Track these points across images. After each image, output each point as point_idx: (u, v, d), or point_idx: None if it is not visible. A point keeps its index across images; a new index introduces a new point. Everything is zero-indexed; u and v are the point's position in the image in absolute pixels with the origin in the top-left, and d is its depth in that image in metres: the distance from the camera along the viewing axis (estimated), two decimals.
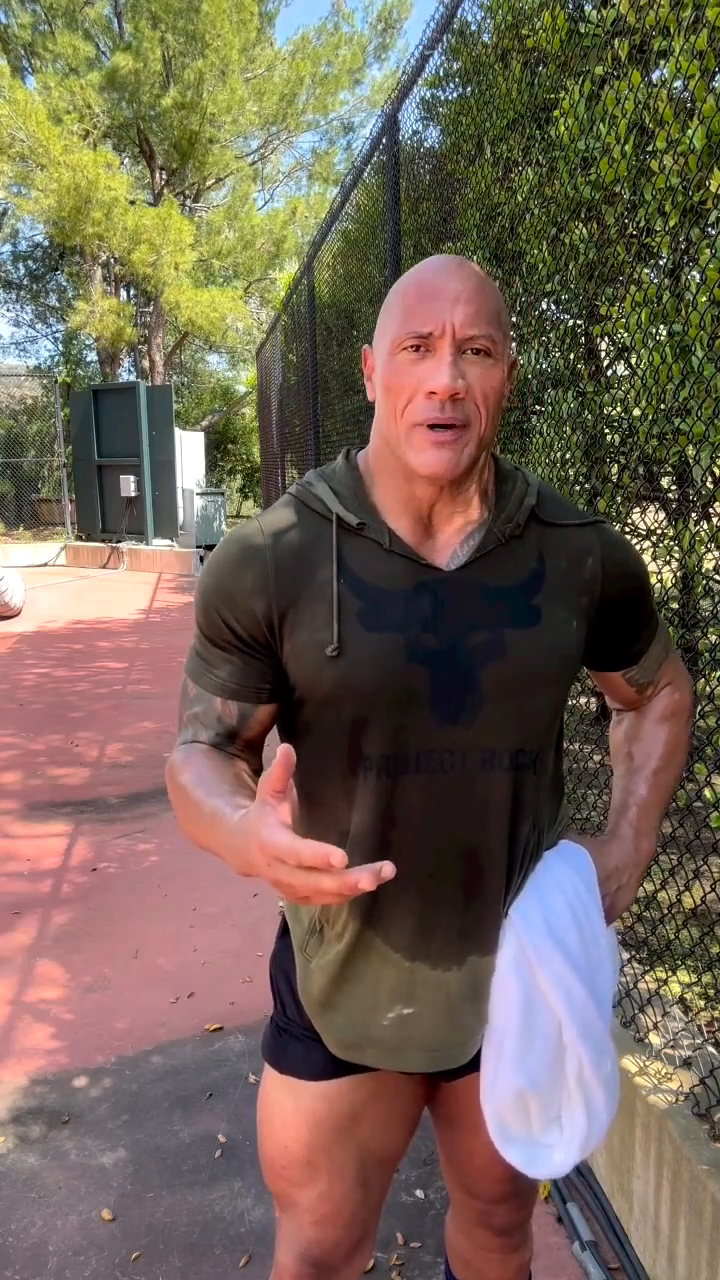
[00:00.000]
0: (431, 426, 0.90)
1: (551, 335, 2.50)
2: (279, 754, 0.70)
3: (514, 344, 1.00)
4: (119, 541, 12.90)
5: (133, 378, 17.09)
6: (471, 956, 1.01)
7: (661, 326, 1.86)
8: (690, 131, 1.70)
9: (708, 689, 1.78)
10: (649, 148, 1.88)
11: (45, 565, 13.02)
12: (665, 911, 2.05)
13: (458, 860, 0.98)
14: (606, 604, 1.04)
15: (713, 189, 1.68)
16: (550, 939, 1.00)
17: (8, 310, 23.10)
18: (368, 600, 0.95)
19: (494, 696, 0.95)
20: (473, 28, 2.74)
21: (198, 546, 12.40)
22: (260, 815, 0.71)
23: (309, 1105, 1.07)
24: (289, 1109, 1.08)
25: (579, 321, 2.45)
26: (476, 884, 0.99)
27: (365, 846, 0.97)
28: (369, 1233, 1.16)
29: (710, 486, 2.20)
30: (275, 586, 0.95)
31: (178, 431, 12.78)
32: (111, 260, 15.31)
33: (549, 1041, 1.01)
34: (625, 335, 2.04)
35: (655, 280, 2.06)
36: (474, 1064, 1.07)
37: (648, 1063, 1.75)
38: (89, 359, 19.13)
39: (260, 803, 0.72)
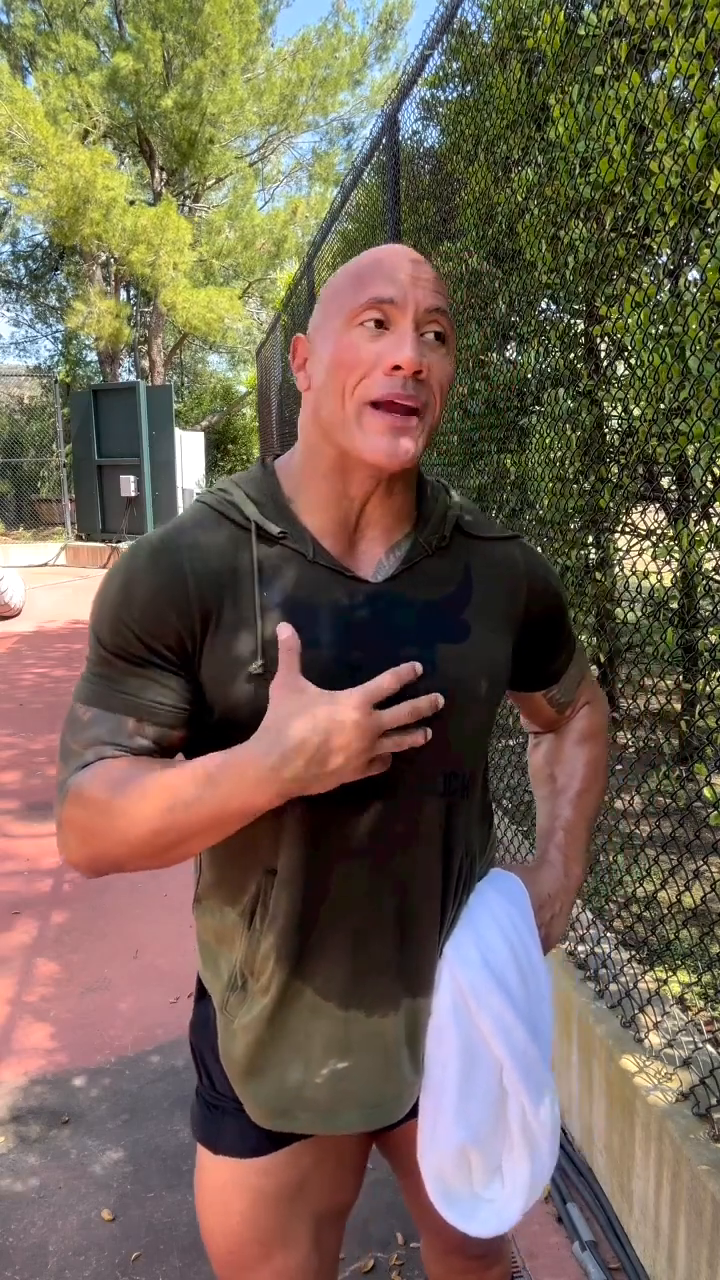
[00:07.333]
0: (388, 409, 0.85)
1: (551, 335, 2.50)
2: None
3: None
4: (119, 541, 12.89)
5: (132, 378, 17.09)
6: (406, 999, 0.95)
7: (661, 326, 1.86)
8: (690, 131, 1.70)
9: (708, 689, 1.78)
10: (648, 148, 1.88)
11: (45, 565, 13.01)
12: (665, 911, 2.05)
13: (391, 894, 0.93)
14: (530, 620, 1.01)
15: (713, 189, 1.68)
16: (488, 976, 0.95)
17: (8, 310, 23.14)
18: (291, 614, 0.87)
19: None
20: (472, 28, 2.74)
21: None
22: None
23: (254, 1183, 0.99)
24: (232, 1191, 1.00)
25: (577, 321, 2.46)
26: (411, 918, 0.94)
27: (294, 885, 0.90)
28: None
29: (710, 486, 2.20)
30: (194, 598, 0.86)
31: (178, 431, 12.77)
32: (111, 260, 15.30)
33: (489, 1089, 0.97)
34: (625, 336, 2.04)
35: (655, 280, 2.06)
36: (415, 1111, 1.00)
37: (648, 1063, 1.75)
38: (89, 359, 19.13)
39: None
